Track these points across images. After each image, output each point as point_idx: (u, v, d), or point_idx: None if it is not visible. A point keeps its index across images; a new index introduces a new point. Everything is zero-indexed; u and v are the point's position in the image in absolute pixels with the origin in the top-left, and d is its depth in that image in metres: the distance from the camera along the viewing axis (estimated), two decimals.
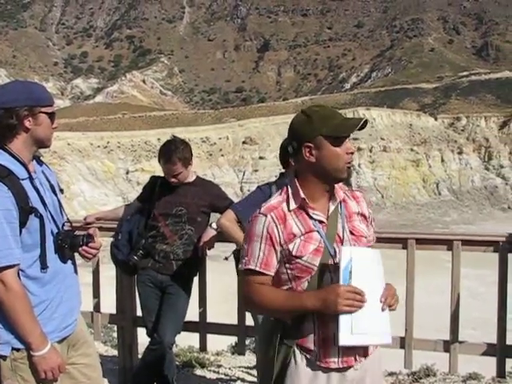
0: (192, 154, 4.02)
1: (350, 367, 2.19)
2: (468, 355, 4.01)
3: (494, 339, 3.89)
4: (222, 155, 65.35)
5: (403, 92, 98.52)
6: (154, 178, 4.12)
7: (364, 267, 2.08)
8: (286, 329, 2.17)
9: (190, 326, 4.31)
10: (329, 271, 2.15)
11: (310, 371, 2.17)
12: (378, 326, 2.09)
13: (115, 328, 5.25)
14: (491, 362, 3.92)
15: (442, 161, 72.53)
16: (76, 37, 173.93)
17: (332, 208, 2.22)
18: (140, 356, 4.41)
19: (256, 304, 2.20)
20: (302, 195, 2.17)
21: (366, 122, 2.17)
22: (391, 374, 5.68)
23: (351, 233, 2.23)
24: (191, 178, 4.00)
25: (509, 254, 3.82)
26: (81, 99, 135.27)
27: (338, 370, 2.18)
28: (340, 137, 2.14)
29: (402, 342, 3.98)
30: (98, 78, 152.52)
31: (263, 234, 2.14)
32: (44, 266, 2.41)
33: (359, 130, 2.16)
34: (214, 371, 5.24)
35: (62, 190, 2.68)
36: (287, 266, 2.16)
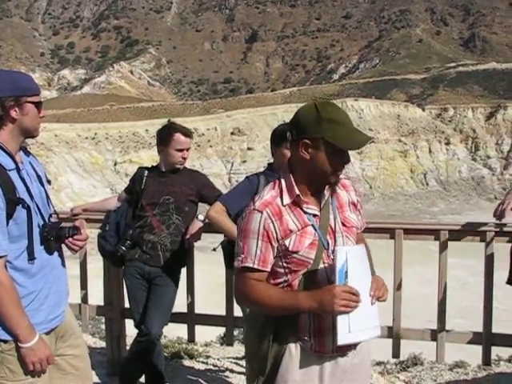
0: None
1: (343, 354, 2.23)
2: (455, 344, 4.05)
3: (481, 328, 3.93)
4: (211, 146, 65.26)
5: (391, 83, 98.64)
6: (141, 170, 4.10)
7: (358, 266, 2.10)
8: (280, 322, 2.17)
9: (178, 317, 4.32)
10: (323, 266, 2.16)
11: (304, 360, 2.20)
12: (371, 320, 2.13)
13: (103, 320, 5.23)
14: (478, 350, 3.96)
15: (430, 151, 72.90)
16: (63, 27, 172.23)
17: (324, 200, 2.22)
18: (128, 348, 4.41)
19: (251, 301, 2.20)
20: (297, 191, 2.16)
21: (372, 141, 2.19)
22: (379, 363, 5.73)
23: (343, 224, 2.25)
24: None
25: (495, 244, 3.85)
26: (68, 90, 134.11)
27: (332, 357, 2.22)
28: (340, 149, 2.11)
29: (390, 332, 4.01)
30: (86, 68, 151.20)
31: (260, 231, 2.12)
32: (31, 258, 2.40)
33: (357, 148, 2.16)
34: (203, 362, 5.25)
35: (49, 182, 2.67)
36: (283, 260, 2.16)
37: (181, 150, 3.89)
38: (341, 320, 2.04)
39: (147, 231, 3.89)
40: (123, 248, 3.87)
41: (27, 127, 2.45)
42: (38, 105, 2.47)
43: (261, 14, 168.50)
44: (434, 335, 3.98)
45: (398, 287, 3.98)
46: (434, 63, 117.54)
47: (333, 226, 2.21)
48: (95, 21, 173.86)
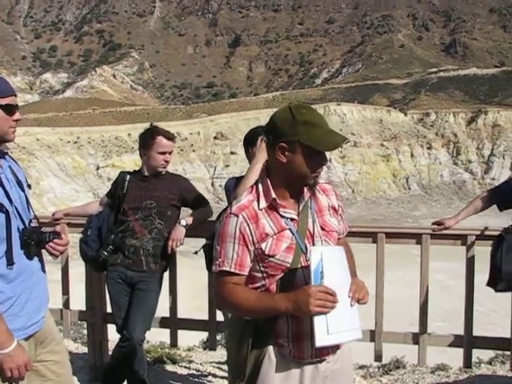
0: None
1: (322, 360, 2.22)
2: (437, 347, 4.07)
3: (462, 331, 3.96)
4: (194, 150, 65.15)
5: (373, 88, 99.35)
6: (123, 174, 4.07)
7: (334, 266, 2.08)
8: (259, 326, 2.17)
9: (160, 322, 4.30)
10: (301, 268, 2.15)
11: (284, 365, 2.19)
12: (351, 322, 2.10)
13: (85, 325, 5.19)
14: (459, 352, 3.99)
15: (412, 156, 73.45)
16: (45, 30, 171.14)
17: (302, 204, 2.21)
18: (110, 353, 4.38)
19: (230, 305, 2.18)
20: (273, 195, 2.15)
21: (348, 142, 2.18)
22: (362, 366, 5.76)
23: (322, 228, 2.23)
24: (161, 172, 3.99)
25: (476, 248, 3.89)
26: (50, 94, 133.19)
27: (311, 362, 2.20)
28: (317, 150, 2.11)
29: (372, 335, 4.02)
30: (68, 72, 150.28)
31: (236, 235, 2.12)
32: (10, 263, 2.35)
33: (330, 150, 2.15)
34: (186, 367, 5.23)
35: (29, 186, 2.62)
36: (260, 264, 2.15)
37: (163, 153, 3.88)
38: (318, 321, 2.01)
39: (129, 236, 3.87)
40: (105, 253, 3.84)
41: None
42: (9, 107, 2.40)
43: (244, 19, 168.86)
44: (415, 338, 4.00)
45: (380, 291, 4.00)
46: (415, 68, 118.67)
47: (311, 230, 2.20)
48: (78, 24, 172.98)
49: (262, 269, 2.16)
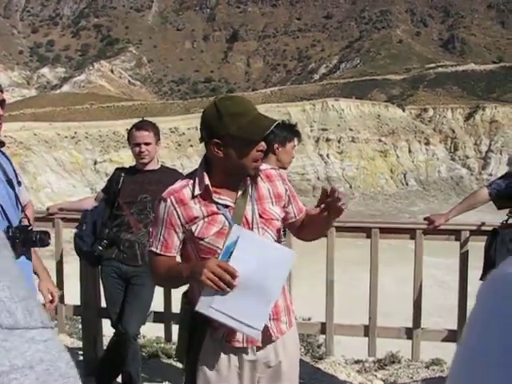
0: (160, 137, 4.04)
1: (258, 348, 2.24)
2: (432, 342, 4.09)
3: (456, 326, 3.97)
4: (191, 145, 65.02)
5: (372, 83, 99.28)
6: (118, 170, 4.08)
7: (249, 254, 2.03)
8: (198, 314, 2.16)
9: (155, 317, 4.30)
10: None
11: (218, 351, 2.22)
12: (248, 315, 2.03)
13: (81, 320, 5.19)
14: (453, 347, 3.99)
15: (410, 151, 73.40)
16: (42, 25, 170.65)
17: (241, 191, 2.21)
18: (105, 348, 4.39)
19: (156, 277, 2.32)
20: (206, 182, 2.16)
21: (279, 124, 2.17)
22: (357, 361, 5.76)
23: (260, 216, 2.22)
24: (156, 166, 4.00)
25: (470, 243, 3.89)
26: (47, 89, 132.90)
27: (244, 349, 2.23)
28: (249, 139, 2.10)
29: (366, 330, 4.04)
30: (65, 67, 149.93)
31: (164, 218, 2.18)
32: None
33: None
34: (180, 361, 5.22)
35: (19, 183, 2.60)
36: (192, 246, 2.20)
37: (138, 145, 3.89)
38: (206, 290, 2.00)
39: (124, 230, 3.87)
40: (100, 248, 3.85)
41: None
42: None
43: (242, 14, 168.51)
44: (409, 333, 4.01)
45: (374, 286, 4.01)
46: (413, 64, 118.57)
47: (249, 218, 2.20)
48: (75, 19, 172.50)
49: (194, 251, 2.21)
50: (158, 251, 2.22)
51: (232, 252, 2.02)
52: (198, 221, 2.16)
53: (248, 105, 2.17)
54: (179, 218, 2.17)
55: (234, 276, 1.98)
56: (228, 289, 1.98)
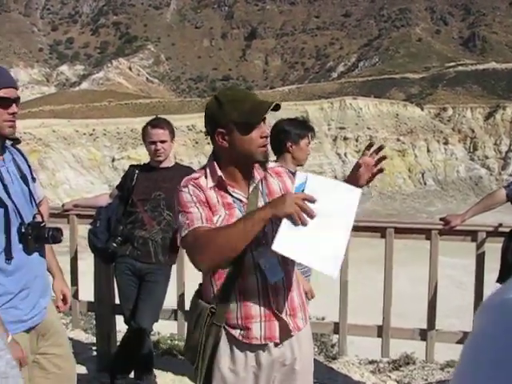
0: (174, 134, 4.05)
1: (275, 345, 2.21)
2: (449, 344, 4.03)
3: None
4: (208, 143, 65.02)
5: (390, 82, 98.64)
6: (132, 167, 4.10)
7: (319, 192, 2.02)
8: (213, 310, 2.18)
9: (168, 314, 4.31)
10: (250, 251, 2.13)
11: (235, 349, 2.19)
12: (323, 253, 1.98)
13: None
14: None
15: (428, 151, 72.84)
16: (61, 22, 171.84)
17: (252, 186, 2.22)
18: (118, 344, 4.40)
19: (212, 250, 2.02)
20: (219, 173, 2.17)
21: (278, 105, 2.14)
22: (372, 362, 5.73)
23: None
24: (170, 164, 4.00)
25: (487, 244, 3.84)
26: (66, 86, 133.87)
27: (261, 346, 2.19)
28: (251, 123, 2.12)
29: (380, 331, 4.00)
30: (84, 64, 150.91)
31: (193, 199, 2.15)
32: (8, 257, 2.34)
33: (273, 110, 2.12)
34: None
35: (34, 179, 2.60)
36: None
37: (153, 143, 3.89)
38: (285, 226, 1.95)
39: (138, 227, 3.88)
40: (114, 244, 3.86)
41: None
42: (3, 100, 2.32)
43: (260, 12, 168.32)
44: (423, 335, 3.97)
45: (388, 286, 3.97)
46: (433, 62, 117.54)
47: None
48: (94, 17, 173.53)
49: None
50: (203, 224, 2.09)
51: (303, 191, 2.03)
52: (220, 212, 2.15)
53: (247, 93, 2.20)
54: (206, 199, 2.16)
55: (314, 203, 1.98)
56: (309, 219, 1.96)
